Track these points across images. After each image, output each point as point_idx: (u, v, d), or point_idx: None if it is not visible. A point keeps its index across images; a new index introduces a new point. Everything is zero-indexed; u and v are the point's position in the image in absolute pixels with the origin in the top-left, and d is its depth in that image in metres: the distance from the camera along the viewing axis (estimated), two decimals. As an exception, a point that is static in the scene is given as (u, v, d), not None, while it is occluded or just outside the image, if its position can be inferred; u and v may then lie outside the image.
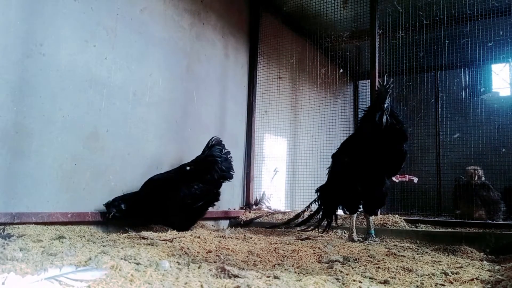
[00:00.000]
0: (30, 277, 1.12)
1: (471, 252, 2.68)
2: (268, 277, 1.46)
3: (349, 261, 2.00)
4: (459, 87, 6.41)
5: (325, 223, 3.33)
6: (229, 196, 4.28)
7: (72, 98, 2.73)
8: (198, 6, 3.99)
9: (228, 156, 3.37)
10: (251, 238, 2.71)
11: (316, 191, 3.38)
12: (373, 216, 3.27)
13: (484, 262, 2.27)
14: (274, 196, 4.84)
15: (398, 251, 2.48)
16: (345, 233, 3.48)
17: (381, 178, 3.01)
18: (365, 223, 3.18)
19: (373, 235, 3.11)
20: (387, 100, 2.84)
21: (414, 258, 2.20)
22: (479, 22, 4.51)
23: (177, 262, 1.67)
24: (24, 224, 2.37)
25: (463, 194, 4.24)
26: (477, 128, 5.07)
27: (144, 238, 2.38)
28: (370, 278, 1.60)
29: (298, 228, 3.61)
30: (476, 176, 4.21)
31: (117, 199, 2.84)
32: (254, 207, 4.48)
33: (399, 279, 1.62)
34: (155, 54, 3.43)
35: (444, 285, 1.54)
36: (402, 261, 2.08)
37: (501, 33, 4.60)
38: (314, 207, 3.50)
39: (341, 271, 1.70)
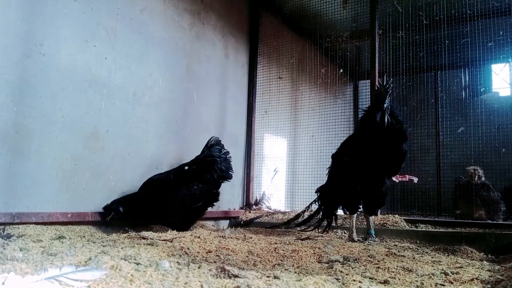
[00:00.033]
0: (30, 277, 1.12)
1: (471, 252, 2.68)
2: (268, 277, 1.46)
3: (349, 261, 2.00)
4: (459, 87, 6.41)
5: (325, 223, 3.33)
6: (229, 196, 4.28)
7: (72, 98, 2.73)
8: (198, 6, 3.99)
9: (227, 156, 3.37)
10: (251, 238, 2.71)
11: (316, 191, 3.38)
12: (373, 216, 3.27)
13: (484, 262, 2.27)
14: (274, 196, 4.84)
15: (398, 251, 2.48)
16: (345, 233, 3.48)
17: (381, 178, 3.01)
18: (365, 223, 3.18)
19: (373, 235, 3.11)
20: (387, 100, 2.84)
21: (414, 258, 2.20)
22: (479, 22, 4.51)
23: (177, 262, 1.67)
24: (24, 224, 2.37)
25: (463, 194, 4.24)
26: (477, 128, 5.06)
27: (144, 238, 2.38)
28: (370, 278, 1.60)
29: (298, 228, 3.62)
30: (476, 176, 4.21)
31: (115, 202, 2.83)
32: (254, 207, 4.48)
33: (399, 279, 1.62)
34: (155, 54, 3.43)
35: (444, 285, 1.54)
36: (402, 261, 2.08)
37: (501, 33, 4.60)
38: (314, 207, 3.50)
39: (341, 271, 1.70)
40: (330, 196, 3.26)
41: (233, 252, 2.12)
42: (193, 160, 3.30)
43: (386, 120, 2.82)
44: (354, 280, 1.50)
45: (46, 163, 2.56)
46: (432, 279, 1.63)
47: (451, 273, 1.75)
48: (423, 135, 6.02)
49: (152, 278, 1.33)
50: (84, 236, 2.49)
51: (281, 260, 2.00)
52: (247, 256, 2.02)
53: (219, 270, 1.48)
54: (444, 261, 2.18)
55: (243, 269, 1.66)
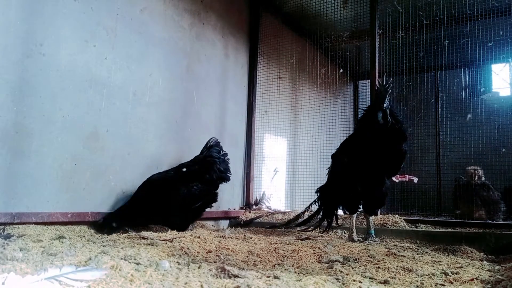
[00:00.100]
0: (30, 277, 1.12)
1: (471, 252, 2.68)
2: (268, 277, 1.46)
3: (349, 261, 2.00)
4: (459, 87, 6.40)
5: (325, 223, 3.33)
6: (229, 196, 4.28)
7: (72, 98, 2.73)
8: (198, 6, 3.99)
9: (226, 157, 3.38)
10: (251, 238, 2.71)
11: (316, 192, 3.39)
12: (373, 216, 3.27)
13: (484, 262, 2.27)
14: (274, 196, 4.84)
15: (398, 251, 2.48)
16: (345, 233, 3.48)
17: (381, 178, 3.01)
18: (365, 223, 3.18)
19: (373, 235, 3.11)
20: (386, 100, 2.84)
21: (414, 258, 2.20)
22: (479, 22, 4.51)
23: (177, 262, 1.67)
24: (24, 224, 2.37)
25: (463, 194, 4.24)
26: (477, 128, 5.06)
27: (144, 238, 2.39)
28: (370, 278, 1.60)
29: (298, 228, 3.62)
30: (476, 176, 4.21)
31: (108, 217, 2.76)
32: (254, 207, 4.48)
33: (399, 279, 1.62)
34: (155, 54, 3.43)
35: (444, 285, 1.54)
36: (402, 261, 2.08)
37: (501, 33, 4.60)
38: (315, 207, 3.50)
39: (341, 271, 1.70)
40: (330, 196, 3.26)
41: (233, 252, 2.12)
42: (192, 160, 3.30)
43: (386, 120, 2.82)
44: (354, 280, 1.50)
45: (46, 163, 2.56)
46: (432, 279, 1.63)
47: (451, 273, 1.75)
48: (423, 135, 6.02)
49: (152, 278, 1.33)
50: (84, 236, 2.49)
51: (281, 260, 2.00)
52: (247, 256, 2.02)
53: (219, 270, 1.48)
54: (444, 261, 2.18)
55: (243, 269, 1.66)
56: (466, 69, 5.99)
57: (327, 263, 1.94)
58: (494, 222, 3.67)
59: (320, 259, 2.08)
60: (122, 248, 1.92)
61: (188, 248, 2.08)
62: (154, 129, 3.39)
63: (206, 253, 2.04)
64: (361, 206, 3.13)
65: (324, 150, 4.45)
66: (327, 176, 3.32)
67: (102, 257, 1.54)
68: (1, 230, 2.15)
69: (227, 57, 4.41)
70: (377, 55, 4.02)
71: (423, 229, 3.35)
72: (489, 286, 1.57)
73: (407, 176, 4.33)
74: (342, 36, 4.81)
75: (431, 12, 4.56)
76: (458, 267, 1.94)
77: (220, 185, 3.31)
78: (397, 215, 3.66)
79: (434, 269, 1.83)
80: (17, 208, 2.38)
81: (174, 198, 2.98)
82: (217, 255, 1.98)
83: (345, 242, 2.91)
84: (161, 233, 2.72)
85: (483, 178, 4.26)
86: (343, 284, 1.45)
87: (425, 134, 6.02)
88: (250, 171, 4.57)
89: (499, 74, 6.87)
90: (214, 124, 4.15)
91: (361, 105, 5.95)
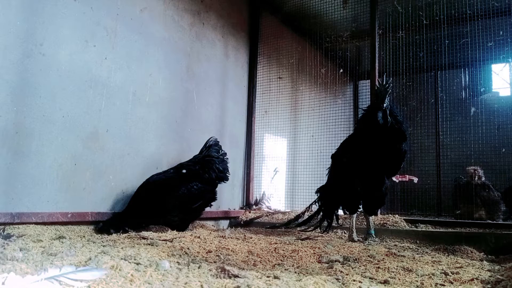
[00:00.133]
0: (30, 277, 1.12)
1: (471, 252, 2.68)
2: (268, 277, 1.46)
3: (349, 261, 2.00)
4: (459, 87, 6.41)
5: (325, 223, 3.33)
6: (229, 196, 4.28)
7: (72, 98, 2.73)
8: (198, 6, 3.99)
9: (225, 157, 3.38)
10: (251, 238, 2.72)
11: (316, 192, 3.39)
12: (373, 216, 3.27)
13: (484, 262, 2.27)
14: (274, 196, 4.84)
15: (398, 251, 2.48)
16: (345, 233, 3.48)
17: (381, 178, 3.01)
18: (365, 223, 3.18)
19: (373, 235, 3.11)
20: (386, 100, 2.84)
21: (414, 258, 2.20)
22: (479, 22, 4.51)
23: (177, 262, 1.67)
24: (24, 224, 2.37)
25: (463, 194, 4.24)
26: (477, 128, 5.07)
27: (144, 238, 2.39)
28: (370, 278, 1.60)
29: (298, 228, 3.62)
30: (476, 176, 4.21)
31: (107, 223, 2.76)
32: (254, 207, 4.49)
33: (399, 279, 1.62)
34: (155, 54, 3.43)
35: (444, 285, 1.54)
36: (402, 261, 2.08)
37: (501, 33, 4.60)
38: (315, 208, 3.50)
39: (341, 271, 1.70)
40: (330, 197, 3.25)
41: (233, 252, 2.12)
42: (191, 160, 3.30)
43: (385, 119, 2.82)
44: (354, 280, 1.50)
45: (46, 163, 2.56)
46: (432, 279, 1.63)
47: (451, 273, 1.75)
48: (423, 135, 6.02)
49: (152, 278, 1.33)
50: (84, 236, 2.49)
51: (281, 260, 2.00)
52: (247, 256, 2.02)
53: (219, 270, 1.48)
54: (444, 261, 2.17)
55: (243, 269, 1.66)
56: (466, 69, 5.99)
57: (327, 263, 1.94)
58: (494, 222, 3.68)
59: (320, 259, 2.08)
60: (122, 248, 1.92)
61: (188, 248, 2.08)
62: (154, 129, 3.39)
63: (206, 253, 2.04)
64: (361, 206, 3.13)
65: (324, 150, 4.45)
66: (327, 176, 3.32)
67: (102, 257, 1.54)
68: (1, 230, 2.15)
69: (227, 57, 4.41)
70: (377, 55, 4.02)
71: (423, 229, 3.35)
72: (489, 286, 1.57)
73: (407, 176, 4.33)
74: (342, 36, 4.81)
75: (431, 12, 4.56)
76: (458, 267, 1.94)
77: (219, 184, 3.31)
78: (397, 215, 3.66)
79: (434, 269, 1.83)
80: (17, 208, 2.38)
81: (174, 198, 2.98)
82: (217, 255, 1.98)
83: (345, 242, 2.91)
84: (161, 233, 2.72)
85: (483, 178, 4.26)
86: (343, 284, 1.45)
87: (425, 134, 6.02)
88: (250, 171, 4.57)
89: (499, 74, 6.87)
90: (214, 124, 4.15)
91: (361, 105, 5.96)
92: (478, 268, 1.99)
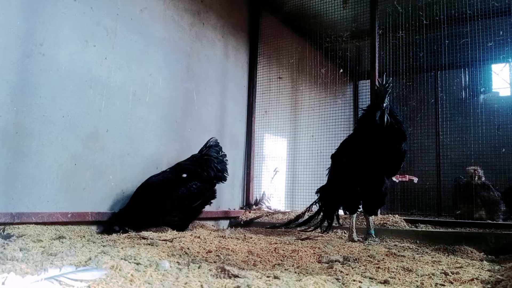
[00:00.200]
0: (30, 277, 1.12)
1: (471, 252, 2.68)
2: (268, 277, 1.46)
3: (349, 261, 2.00)
4: (459, 87, 6.41)
5: (326, 223, 3.33)
6: (229, 196, 4.28)
7: (72, 98, 2.73)
8: (198, 6, 3.99)
9: (224, 158, 3.38)
10: (251, 238, 2.71)
11: (317, 192, 3.39)
12: (373, 216, 3.27)
13: (484, 262, 2.27)
14: (274, 196, 4.85)
15: (398, 251, 2.48)
16: (345, 233, 3.48)
17: (381, 178, 3.01)
18: (365, 223, 3.18)
19: (373, 235, 3.11)
20: (386, 100, 2.84)
21: (414, 258, 2.20)
22: (479, 22, 4.51)
23: (177, 262, 1.67)
24: (24, 224, 2.37)
25: (463, 194, 4.24)
26: (477, 128, 5.07)
27: (144, 238, 2.38)
28: (370, 278, 1.60)
29: (299, 228, 3.62)
30: (476, 176, 4.21)
31: (110, 222, 2.79)
32: (254, 207, 4.49)
33: (399, 279, 1.62)
34: (155, 54, 3.43)
35: (444, 285, 1.54)
36: (402, 261, 2.08)
37: (501, 33, 4.60)
38: (315, 208, 3.50)
39: (341, 271, 1.70)
40: (330, 197, 3.26)
41: (233, 252, 2.12)
42: (190, 159, 3.30)
43: (385, 119, 2.82)
44: (354, 280, 1.50)
45: (46, 163, 2.56)
46: (432, 279, 1.63)
47: (451, 273, 1.75)
48: (423, 135, 6.02)
49: (152, 278, 1.33)
50: (84, 236, 2.49)
51: (281, 260, 2.00)
52: (247, 256, 2.02)
53: (219, 270, 1.48)
54: (444, 261, 2.17)
55: (243, 269, 1.66)
56: (466, 69, 5.99)
57: (327, 263, 1.94)
58: (494, 222, 3.68)
59: (320, 259, 2.08)
60: (122, 248, 1.92)
61: (188, 248, 2.08)
62: (154, 129, 3.39)
63: (206, 253, 2.04)
64: (361, 206, 3.13)
65: (324, 150, 4.45)
66: (327, 176, 3.32)
67: (102, 257, 1.54)
68: (1, 230, 2.15)
69: (227, 57, 4.41)
70: (377, 55, 4.02)
71: (423, 229, 3.35)
72: (489, 286, 1.57)
73: (407, 176, 4.33)
74: (342, 36, 4.81)
75: (431, 12, 4.56)
76: (458, 267, 1.94)
77: (218, 184, 3.31)
78: (397, 215, 3.66)
79: (434, 269, 1.83)
80: (17, 208, 2.38)
81: (174, 199, 2.98)
82: (217, 255, 1.98)
83: (345, 242, 2.91)
84: (161, 233, 2.72)
85: (483, 178, 4.26)
86: (343, 284, 1.45)
87: (425, 134, 6.02)
88: (250, 171, 4.57)
89: (499, 74, 6.87)
90: (214, 124, 4.15)
91: (361, 105, 5.96)
92: (478, 268, 1.99)
